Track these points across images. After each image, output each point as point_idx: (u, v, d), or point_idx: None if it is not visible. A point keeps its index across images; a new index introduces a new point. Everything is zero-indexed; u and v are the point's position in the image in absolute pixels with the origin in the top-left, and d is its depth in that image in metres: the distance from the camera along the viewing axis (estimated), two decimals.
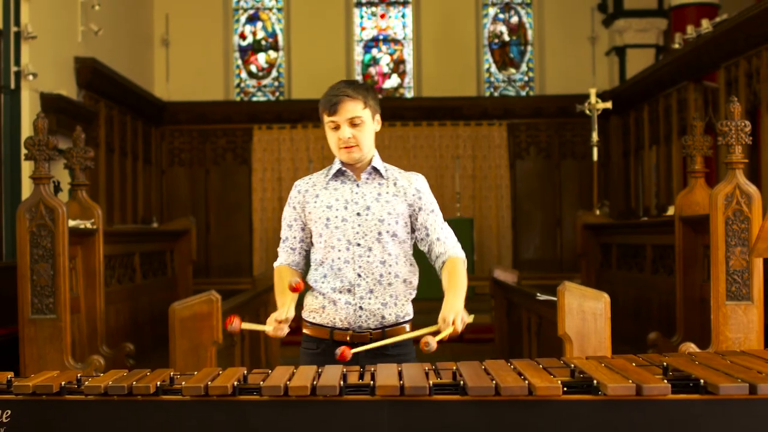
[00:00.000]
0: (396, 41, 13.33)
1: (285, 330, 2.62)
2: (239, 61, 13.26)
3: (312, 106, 14.11)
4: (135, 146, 11.40)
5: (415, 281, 2.82)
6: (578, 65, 12.74)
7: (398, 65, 13.32)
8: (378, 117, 2.83)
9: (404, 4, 13.32)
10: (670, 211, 6.31)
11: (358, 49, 13.29)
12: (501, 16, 13.28)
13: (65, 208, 4.67)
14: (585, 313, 4.33)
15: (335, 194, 2.77)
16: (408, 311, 2.79)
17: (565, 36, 12.88)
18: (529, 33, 13.27)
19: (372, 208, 2.75)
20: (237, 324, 2.56)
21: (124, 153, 10.90)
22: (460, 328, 2.52)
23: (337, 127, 2.74)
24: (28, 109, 7.59)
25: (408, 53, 13.29)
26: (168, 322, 4.56)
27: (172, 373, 2.33)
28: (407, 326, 2.77)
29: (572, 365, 2.33)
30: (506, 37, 13.29)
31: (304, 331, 2.83)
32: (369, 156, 2.81)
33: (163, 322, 4.83)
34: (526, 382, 2.14)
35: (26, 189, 7.38)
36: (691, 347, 4.37)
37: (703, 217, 4.75)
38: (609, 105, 9.17)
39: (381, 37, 13.34)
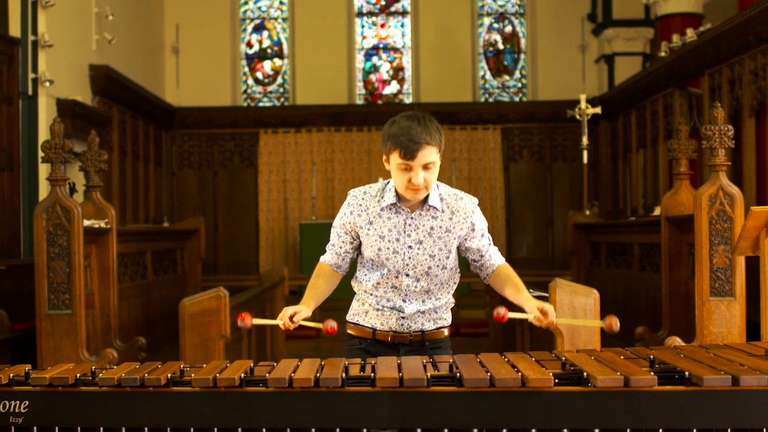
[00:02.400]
0: (395, 49, 13.32)
1: (295, 326, 2.57)
2: (246, 69, 13.26)
3: (315, 111, 14.05)
4: (147, 149, 11.39)
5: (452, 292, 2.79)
6: (569, 72, 12.73)
7: (397, 72, 13.31)
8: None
9: (403, 14, 13.32)
10: (657, 211, 6.31)
11: (360, 57, 13.28)
12: (495, 25, 13.28)
13: (80, 209, 4.68)
14: (575, 308, 4.33)
15: (388, 224, 2.65)
16: (447, 318, 2.77)
17: (557, 44, 12.88)
18: (523, 42, 13.27)
19: (424, 243, 2.64)
20: (248, 321, 2.54)
21: (137, 156, 10.90)
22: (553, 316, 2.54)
23: (408, 169, 2.56)
24: (45, 114, 7.58)
25: (407, 61, 13.28)
26: (178, 317, 4.57)
27: (182, 366, 2.33)
28: (446, 330, 2.75)
29: (563, 358, 2.33)
30: (500, 46, 13.28)
31: (348, 331, 2.80)
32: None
33: (174, 317, 4.84)
34: (520, 374, 2.14)
35: (43, 190, 7.38)
36: (677, 341, 4.37)
37: (688, 217, 4.75)
38: (598, 110, 9.15)
39: (381, 45, 13.33)
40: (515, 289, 2.67)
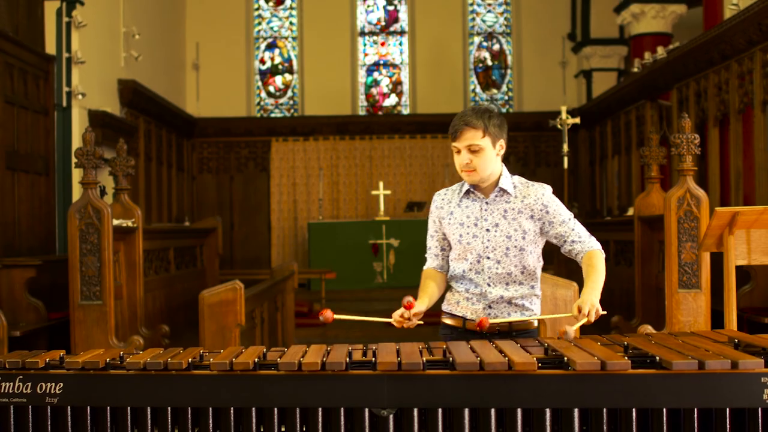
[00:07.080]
0: (394, 65, 13.32)
1: (414, 322, 2.52)
2: (259, 83, 13.25)
3: (322, 121, 14.04)
4: (169, 156, 11.39)
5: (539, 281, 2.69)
6: (551, 86, 12.73)
7: (396, 86, 13.30)
8: (501, 142, 2.62)
9: (401, 33, 13.31)
10: (630, 211, 6.31)
11: (362, 72, 13.28)
12: (485, 44, 13.27)
13: (110, 209, 4.68)
14: (557, 299, 4.34)
15: (466, 212, 2.66)
16: (534, 310, 2.69)
17: (540, 61, 12.88)
18: (509, 58, 13.26)
19: (500, 225, 2.62)
20: (329, 315, 2.50)
21: (160, 162, 10.89)
22: (593, 318, 2.41)
23: (458, 152, 2.60)
24: (78, 124, 7.58)
25: (405, 76, 13.28)
26: (198, 307, 4.57)
27: (201, 351, 2.33)
28: (535, 322, 2.67)
29: (546, 344, 2.33)
30: (489, 62, 13.27)
31: (443, 320, 2.76)
32: (493, 177, 2.64)
33: (194, 307, 4.84)
34: (506, 358, 2.14)
35: (76, 193, 7.38)
36: (648, 329, 4.37)
37: (659, 217, 4.75)
38: (577, 120, 9.14)
39: (381, 62, 13.33)
40: (586, 274, 2.55)
